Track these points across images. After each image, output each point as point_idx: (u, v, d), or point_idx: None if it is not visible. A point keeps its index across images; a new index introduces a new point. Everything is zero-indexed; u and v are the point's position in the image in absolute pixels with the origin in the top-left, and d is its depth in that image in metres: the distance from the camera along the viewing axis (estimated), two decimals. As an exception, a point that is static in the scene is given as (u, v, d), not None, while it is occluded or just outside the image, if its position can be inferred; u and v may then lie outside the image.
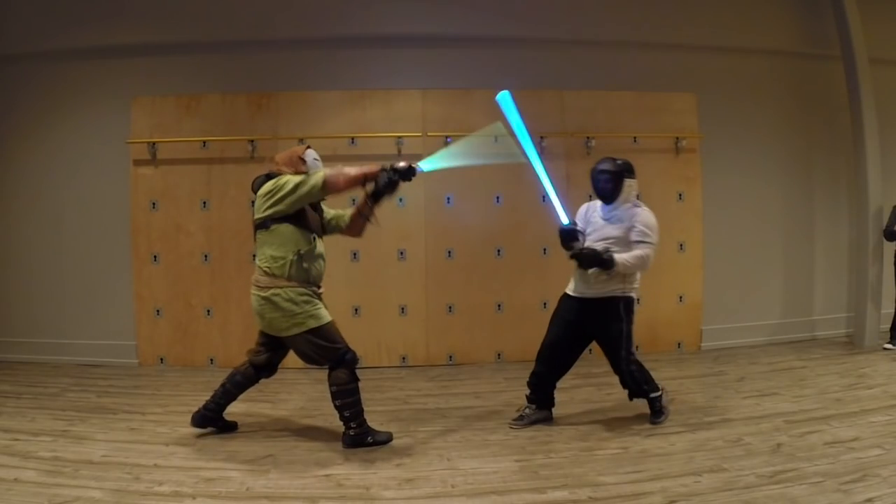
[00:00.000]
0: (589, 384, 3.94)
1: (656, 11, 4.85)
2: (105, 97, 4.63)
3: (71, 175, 4.67)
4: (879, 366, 4.26)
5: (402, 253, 4.64)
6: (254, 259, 3.00)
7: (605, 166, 3.14)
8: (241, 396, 3.18)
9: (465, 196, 4.67)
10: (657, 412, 3.20)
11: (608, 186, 3.12)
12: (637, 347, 4.83)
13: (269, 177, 2.98)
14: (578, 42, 4.79)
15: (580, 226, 3.23)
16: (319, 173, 2.82)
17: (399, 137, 4.55)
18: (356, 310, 4.62)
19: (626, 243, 3.07)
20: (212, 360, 4.61)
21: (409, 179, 2.91)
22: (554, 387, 3.31)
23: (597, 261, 2.98)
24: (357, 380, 2.95)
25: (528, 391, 3.31)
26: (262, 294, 2.89)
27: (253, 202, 3.00)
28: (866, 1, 4.86)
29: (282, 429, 3.24)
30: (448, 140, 4.60)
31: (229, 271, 4.59)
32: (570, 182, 4.75)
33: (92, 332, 4.67)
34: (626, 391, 3.24)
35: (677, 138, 4.81)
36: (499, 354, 4.74)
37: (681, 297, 4.91)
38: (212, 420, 3.12)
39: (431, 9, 4.64)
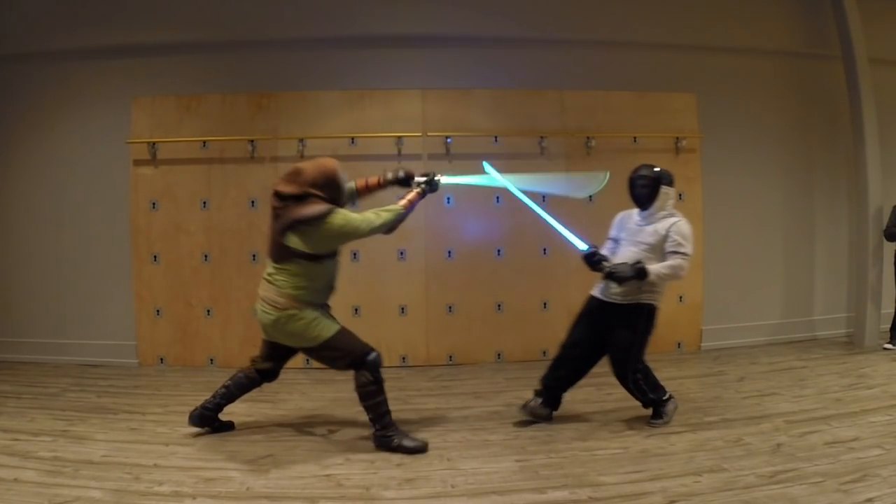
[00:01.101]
0: (589, 384, 3.92)
1: (657, 11, 4.85)
2: (105, 97, 4.63)
3: (71, 175, 4.67)
4: (879, 366, 4.26)
5: (402, 253, 4.64)
6: (271, 270, 2.93)
7: (643, 172, 3.16)
8: (242, 396, 3.18)
9: (465, 196, 4.66)
10: (658, 414, 3.19)
11: (644, 192, 3.13)
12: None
13: (297, 199, 2.82)
14: (578, 42, 4.79)
15: (613, 233, 3.29)
16: (390, 216, 2.93)
17: (399, 137, 4.55)
18: (356, 310, 4.62)
19: (659, 251, 3.07)
20: (212, 360, 4.62)
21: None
22: (564, 390, 3.30)
23: (630, 274, 2.97)
24: (379, 381, 2.92)
25: (538, 386, 3.29)
26: (278, 314, 2.87)
27: (277, 207, 2.84)
28: (866, 1, 4.86)
29: (282, 429, 3.24)
30: (448, 140, 4.60)
31: (229, 271, 4.59)
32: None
33: (92, 332, 4.67)
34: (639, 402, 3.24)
35: (677, 138, 4.81)
36: (499, 354, 4.74)
37: (681, 298, 4.91)
38: (209, 419, 3.12)
39: (431, 9, 4.64)
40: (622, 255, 3.13)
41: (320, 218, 2.78)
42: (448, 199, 4.66)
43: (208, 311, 4.61)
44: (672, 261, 3.03)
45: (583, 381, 3.96)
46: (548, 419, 3.27)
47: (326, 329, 2.92)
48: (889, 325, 4.80)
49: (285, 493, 2.46)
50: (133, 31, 4.57)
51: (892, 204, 4.71)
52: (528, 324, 4.72)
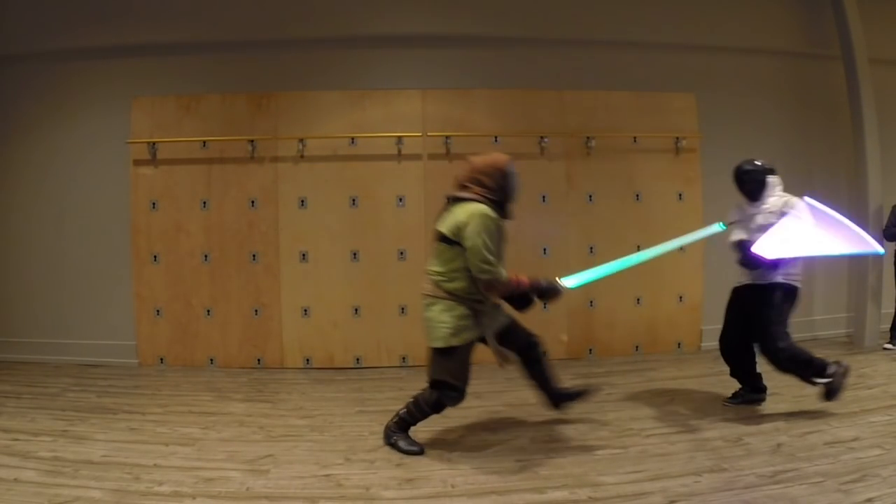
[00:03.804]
0: (588, 384, 3.93)
1: (656, 11, 4.85)
2: (105, 97, 4.63)
3: (71, 175, 4.67)
4: (879, 366, 4.26)
5: (402, 253, 4.64)
6: (430, 268, 2.88)
7: (747, 167, 3.34)
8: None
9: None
10: (830, 392, 3.23)
11: (753, 186, 3.32)
12: (637, 347, 4.88)
13: (460, 192, 2.80)
14: (578, 42, 4.79)
15: (736, 217, 3.43)
16: (504, 273, 2.75)
17: (399, 137, 4.55)
18: (356, 310, 4.62)
19: None
20: (212, 360, 4.62)
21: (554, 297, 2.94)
22: (753, 369, 3.46)
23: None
24: (435, 413, 2.91)
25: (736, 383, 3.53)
26: (428, 301, 2.84)
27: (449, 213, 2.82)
28: (866, 1, 4.86)
29: (282, 429, 3.24)
30: (447, 140, 4.60)
31: (229, 271, 4.59)
32: (570, 182, 4.75)
33: (92, 332, 4.67)
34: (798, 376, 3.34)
35: (677, 138, 4.81)
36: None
37: (681, 297, 4.91)
38: (558, 398, 3.16)
39: (431, 9, 4.65)
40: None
41: (461, 201, 2.76)
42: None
43: (208, 311, 4.61)
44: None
45: (582, 382, 3.97)
46: (760, 402, 3.47)
47: (460, 338, 2.79)
48: (889, 325, 4.80)
49: (285, 493, 2.46)
50: (133, 31, 4.57)
51: (892, 204, 4.71)
52: (527, 324, 4.70)
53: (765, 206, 3.29)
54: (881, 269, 4.86)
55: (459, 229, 2.71)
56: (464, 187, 2.83)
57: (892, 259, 4.81)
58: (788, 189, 5.06)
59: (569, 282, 2.96)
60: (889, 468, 2.54)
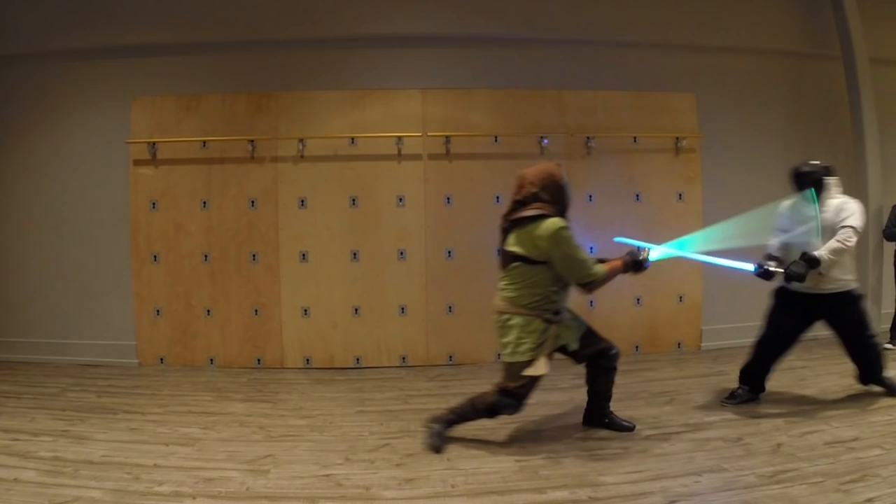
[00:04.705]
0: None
1: (656, 11, 4.85)
2: (105, 97, 4.63)
3: (71, 175, 4.67)
4: (879, 366, 4.26)
5: (402, 253, 4.64)
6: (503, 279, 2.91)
7: (805, 169, 3.35)
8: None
9: (465, 196, 4.67)
10: (892, 387, 3.46)
11: (811, 187, 3.33)
12: (637, 347, 4.88)
13: (520, 204, 2.83)
14: (578, 42, 4.79)
15: (783, 225, 3.43)
16: (600, 270, 2.81)
17: (399, 137, 4.55)
18: (356, 310, 4.62)
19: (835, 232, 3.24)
20: (212, 360, 4.62)
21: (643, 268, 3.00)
22: (767, 373, 3.52)
23: (804, 270, 3.14)
24: (487, 417, 2.95)
25: (739, 380, 3.57)
26: (497, 318, 2.90)
27: (505, 216, 2.87)
28: (866, 1, 4.87)
29: (282, 429, 3.24)
30: (447, 140, 4.60)
31: (229, 271, 4.59)
32: (570, 182, 4.74)
33: (92, 332, 4.67)
34: (860, 375, 3.52)
35: (677, 138, 4.81)
36: (499, 354, 4.71)
37: (681, 297, 4.91)
38: (597, 417, 3.14)
39: (431, 9, 4.65)
40: (802, 247, 3.28)
41: (537, 219, 2.77)
42: (448, 198, 4.66)
43: (208, 311, 4.61)
44: (837, 236, 3.17)
45: (582, 382, 3.96)
46: (756, 402, 3.51)
47: (529, 353, 2.83)
48: (889, 325, 4.79)
49: (285, 493, 2.46)
50: (133, 31, 4.57)
51: (892, 204, 4.71)
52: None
53: (824, 208, 3.30)
54: (881, 268, 4.87)
55: (546, 252, 2.75)
56: (521, 205, 2.84)
57: (893, 259, 4.81)
58: (790, 189, 5.12)
59: (653, 253, 3.06)
60: (889, 468, 2.54)
